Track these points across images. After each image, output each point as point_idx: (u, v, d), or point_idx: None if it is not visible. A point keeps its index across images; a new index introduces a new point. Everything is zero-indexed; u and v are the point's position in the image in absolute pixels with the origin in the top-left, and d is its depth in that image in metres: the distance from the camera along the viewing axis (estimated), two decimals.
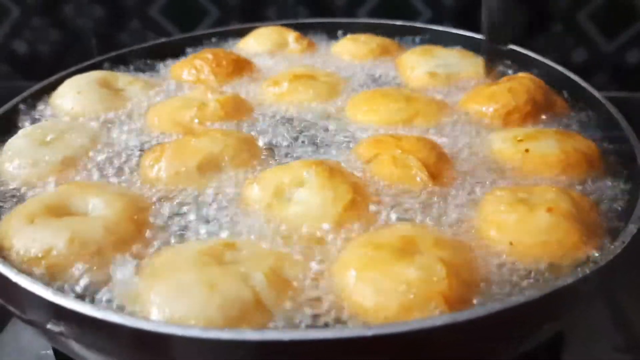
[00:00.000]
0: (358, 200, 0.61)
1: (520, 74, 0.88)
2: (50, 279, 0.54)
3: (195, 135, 0.72)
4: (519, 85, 0.82)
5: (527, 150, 0.69)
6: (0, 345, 0.73)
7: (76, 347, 0.49)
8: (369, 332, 0.43)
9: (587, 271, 0.48)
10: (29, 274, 0.53)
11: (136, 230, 0.59)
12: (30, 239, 0.56)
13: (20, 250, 0.56)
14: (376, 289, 0.50)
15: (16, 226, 0.58)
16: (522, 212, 0.58)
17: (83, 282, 0.53)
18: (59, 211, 0.60)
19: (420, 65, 0.95)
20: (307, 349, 0.43)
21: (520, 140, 0.71)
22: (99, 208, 0.61)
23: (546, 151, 0.69)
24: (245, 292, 0.49)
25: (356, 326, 0.48)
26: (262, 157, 0.72)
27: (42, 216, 0.59)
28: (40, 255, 0.55)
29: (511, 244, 0.56)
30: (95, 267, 0.55)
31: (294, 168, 0.64)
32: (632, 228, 0.55)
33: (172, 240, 0.59)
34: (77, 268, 0.54)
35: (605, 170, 0.70)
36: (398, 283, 0.50)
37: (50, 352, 0.70)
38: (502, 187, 0.65)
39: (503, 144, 0.72)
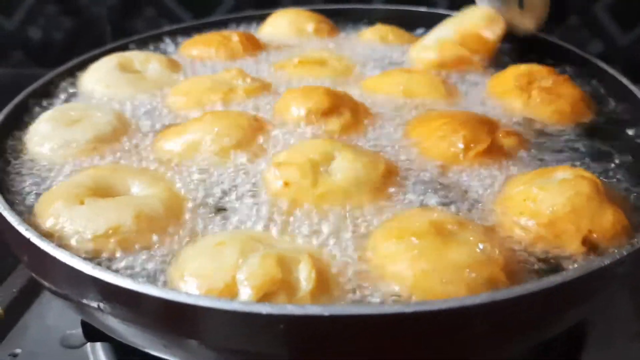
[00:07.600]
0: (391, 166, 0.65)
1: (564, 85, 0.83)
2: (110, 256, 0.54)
3: (198, 119, 0.72)
4: (566, 105, 0.79)
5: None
6: (26, 325, 0.73)
7: (112, 321, 0.50)
8: (408, 309, 0.44)
9: (625, 252, 0.48)
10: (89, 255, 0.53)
11: (180, 210, 0.59)
12: (91, 218, 0.55)
13: (79, 229, 0.55)
14: (442, 280, 0.49)
15: (65, 207, 0.56)
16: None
17: (146, 258, 0.54)
18: (101, 192, 0.59)
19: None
20: (348, 325, 0.44)
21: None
22: (144, 188, 0.61)
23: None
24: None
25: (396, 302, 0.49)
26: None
27: (89, 197, 0.58)
28: (108, 233, 0.54)
29: None
30: (154, 243, 0.55)
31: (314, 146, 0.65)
32: None
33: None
34: (140, 244, 0.55)
35: None
36: (460, 269, 0.50)
37: (75, 331, 0.69)
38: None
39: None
